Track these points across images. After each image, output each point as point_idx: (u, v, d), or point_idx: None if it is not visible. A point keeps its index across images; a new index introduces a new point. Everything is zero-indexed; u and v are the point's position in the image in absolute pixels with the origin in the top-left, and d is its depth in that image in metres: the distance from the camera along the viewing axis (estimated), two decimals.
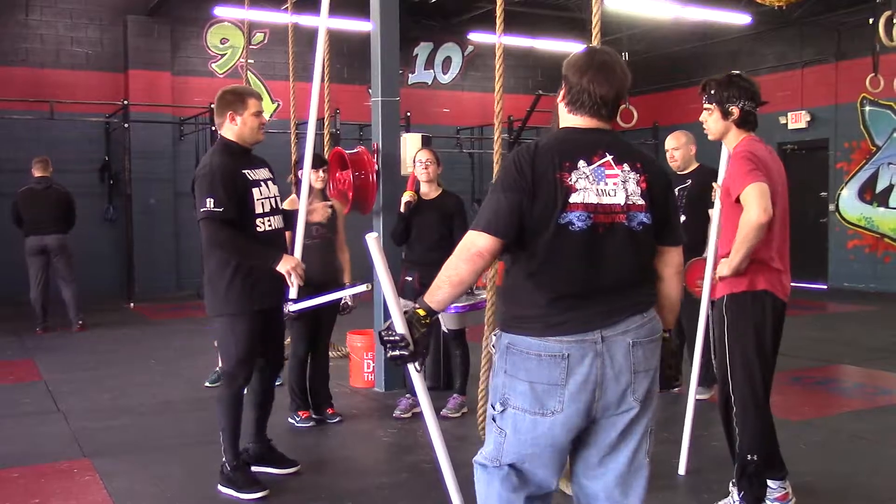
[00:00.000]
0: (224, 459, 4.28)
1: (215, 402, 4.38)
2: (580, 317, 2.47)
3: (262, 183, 4.23)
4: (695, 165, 5.99)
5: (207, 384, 6.60)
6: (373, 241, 2.70)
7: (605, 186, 2.49)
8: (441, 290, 2.53)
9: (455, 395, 5.72)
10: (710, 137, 3.85)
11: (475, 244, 2.47)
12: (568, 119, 2.60)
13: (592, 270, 2.47)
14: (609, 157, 2.52)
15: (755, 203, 3.47)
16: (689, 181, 5.88)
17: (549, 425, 2.47)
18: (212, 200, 3.99)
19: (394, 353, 2.58)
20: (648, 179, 2.54)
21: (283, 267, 4.15)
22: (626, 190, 2.51)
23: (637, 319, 2.50)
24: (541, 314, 2.48)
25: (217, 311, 4.23)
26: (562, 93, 2.62)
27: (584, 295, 2.48)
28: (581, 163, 2.49)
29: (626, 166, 2.53)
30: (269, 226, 4.22)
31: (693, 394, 4.39)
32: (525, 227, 2.46)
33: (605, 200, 2.48)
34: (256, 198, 4.16)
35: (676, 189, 5.89)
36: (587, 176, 2.48)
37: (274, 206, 4.28)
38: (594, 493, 2.61)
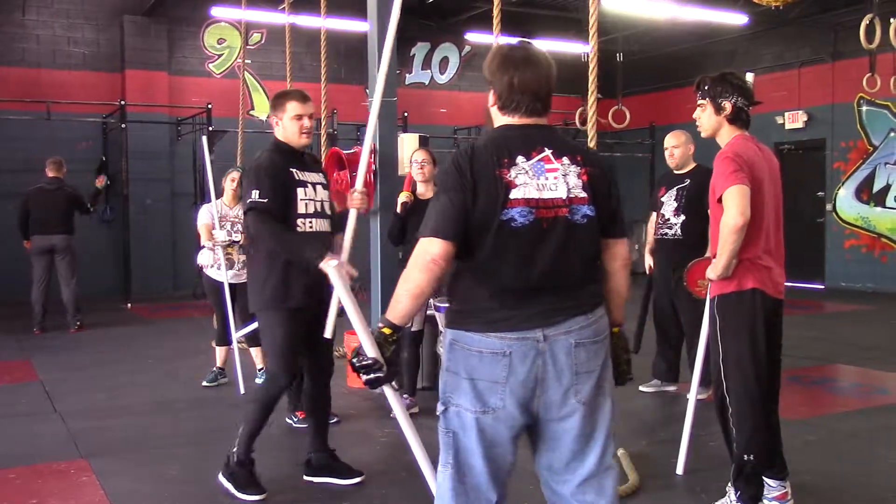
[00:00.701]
0: (234, 450, 4.23)
1: (250, 400, 4.39)
2: (522, 314, 2.44)
3: (309, 185, 4.20)
4: (692, 165, 6.00)
5: (205, 383, 6.59)
6: (333, 270, 2.77)
7: (545, 181, 2.46)
8: (400, 304, 2.48)
9: (405, 396, 5.71)
10: (702, 134, 3.87)
11: (428, 251, 2.42)
12: (502, 119, 2.58)
13: (535, 267, 2.44)
14: (548, 152, 2.50)
15: (732, 206, 3.51)
16: (688, 181, 5.89)
17: (491, 422, 2.45)
18: (257, 192, 4.00)
19: (369, 378, 2.57)
20: (590, 172, 2.52)
21: (326, 266, 3.83)
22: (568, 183, 2.48)
23: (581, 320, 2.47)
24: (483, 310, 2.46)
25: (256, 305, 4.24)
26: (491, 98, 2.60)
27: (527, 292, 2.45)
28: (520, 158, 2.47)
29: (565, 160, 2.51)
30: (311, 227, 4.18)
31: (694, 394, 4.39)
32: (469, 224, 2.43)
33: (546, 195, 2.45)
34: (300, 197, 4.14)
35: (675, 189, 5.91)
36: (526, 171, 2.46)
37: (319, 209, 4.25)
38: (565, 497, 2.58)
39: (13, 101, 11.97)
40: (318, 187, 4.27)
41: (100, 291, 12.51)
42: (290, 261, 4.06)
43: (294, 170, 4.18)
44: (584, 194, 2.49)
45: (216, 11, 13.02)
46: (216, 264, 6.44)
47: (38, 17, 12.83)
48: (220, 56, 14.02)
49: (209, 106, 12.60)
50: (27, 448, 5.05)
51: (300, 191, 4.15)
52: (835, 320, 10.55)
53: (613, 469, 2.59)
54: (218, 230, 6.37)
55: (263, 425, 4.26)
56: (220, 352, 6.66)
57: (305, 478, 4.41)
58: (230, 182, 6.55)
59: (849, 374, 7.36)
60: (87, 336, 9.29)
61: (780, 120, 13.97)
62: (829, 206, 13.74)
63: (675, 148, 6.01)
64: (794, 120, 13.90)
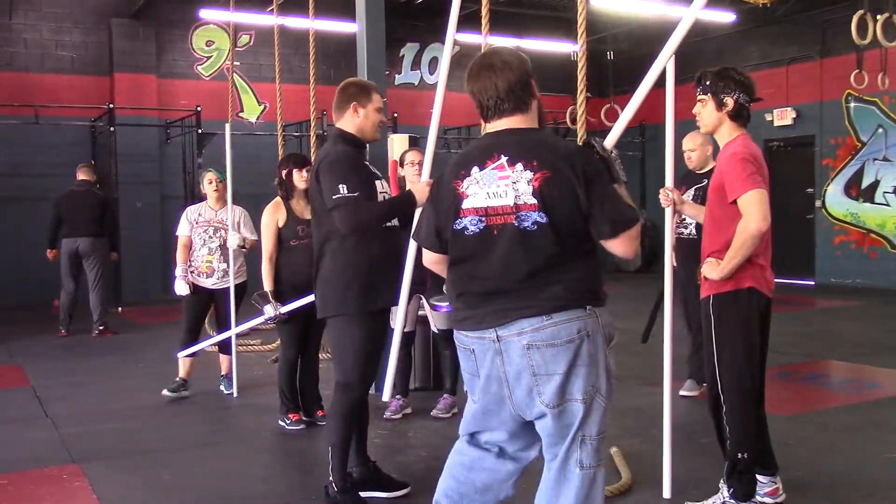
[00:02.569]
0: (331, 479, 3.96)
1: (328, 416, 4.17)
2: (477, 315, 2.60)
3: (380, 178, 4.02)
4: (711, 165, 5.98)
5: (167, 392, 6.31)
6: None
7: (496, 189, 2.56)
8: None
9: (445, 396, 5.71)
10: (702, 130, 3.81)
11: (424, 257, 2.86)
12: (485, 128, 2.75)
13: (487, 271, 2.57)
14: (503, 160, 2.57)
15: (756, 211, 3.45)
16: (706, 181, 5.88)
17: (475, 409, 2.74)
18: (344, 186, 3.68)
19: None
20: (544, 177, 2.52)
21: (419, 197, 3.68)
22: (517, 190, 2.53)
23: (534, 322, 2.51)
24: (456, 310, 2.71)
25: (335, 309, 3.91)
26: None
27: (481, 294, 2.60)
28: (474, 169, 2.61)
29: (518, 166, 2.55)
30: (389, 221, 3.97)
31: (667, 391, 4.28)
32: (439, 234, 2.71)
33: (495, 203, 2.55)
34: (379, 190, 3.92)
35: (693, 188, 5.89)
36: (478, 181, 2.59)
37: None
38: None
39: (1, 106, 11.90)
40: (382, 182, 4.05)
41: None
42: (376, 260, 3.83)
43: (367, 163, 4.01)
44: (533, 201, 2.52)
45: (204, 14, 12.99)
46: (196, 272, 6.21)
47: (25, 21, 12.77)
48: (208, 58, 13.98)
49: (198, 108, 12.57)
50: (19, 454, 5.03)
51: (378, 184, 3.94)
52: (825, 316, 10.59)
53: (576, 478, 2.59)
54: (232, 235, 6.04)
55: (350, 441, 4.03)
56: (183, 362, 6.36)
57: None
58: (209, 184, 6.35)
59: (840, 370, 7.39)
60: (78, 341, 9.25)
61: (768, 117, 14.01)
62: (818, 203, 13.79)
63: (691, 151, 6.01)
64: (783, 117, 13.95)
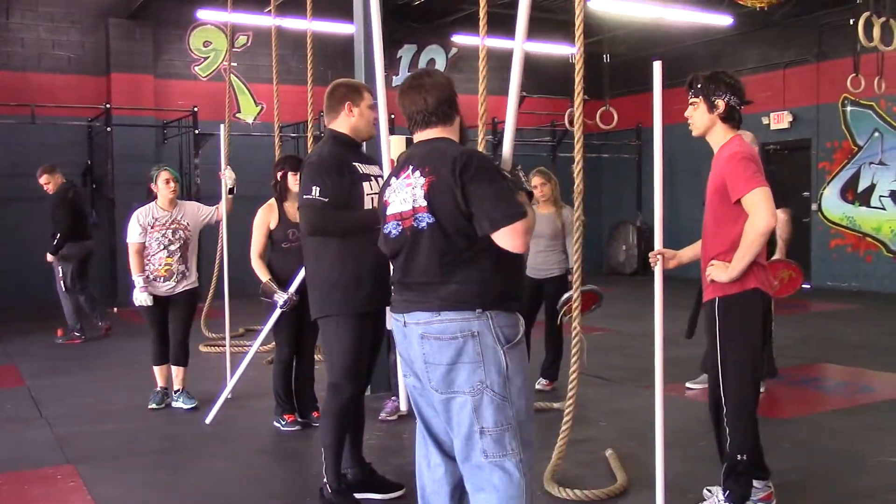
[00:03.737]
0: (325, 480, 3.99)
1: (321, 416, 4.18)
2: (396, 300, 2.98)
3: (372, 178, 3.99)
4: None
5: (153, 406, 6.09)
6: None
7: (403, 195, 2.89)
8: None
9: (393, 398, 5.70)
10: (694, 133, 3.79)
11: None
12: (414, 138, 3.04)
13: (402, 267, 2.92)
14: (410, 168, 2.89)
15: (763, 208, 3.46)
16: None
17: (410, 387, 3.01)
18: (317, 189, 3.78)
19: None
20: (431, 182, 2.81)
21: None
22: (414, 195, 2.85)
23: (427, 316, 2.81)
24: (392, 293, 3.06)
25: (322, 311, 3.97)
26: None
27: (401, 285, 2.94)
28: (393, 179, 2.98)
29: (417, 173, 2.86)
30: None
31: (660, 394, 4.24)
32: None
33: (403, 208, 2.88)
34: (366, 192, 3.91)
35: None
36: (395, 190, 2.94)
37: None
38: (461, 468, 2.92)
39: None
40: (380, 180, 3.99)
41: None
42: (361, 262, 3.85)
43: (357, 164, 3.98)
44: (423, 203, 2.82)
45: (202, 14, 12.99)
46: (153, 275, 5.90)
47: (22, 21, 12.75)
48: (206, 59, 13.97)
49: (195, 109, 12.56)
50: (13, 454, 5.02)
51: (366, 185, 3.93)
52: (821, 319, 10.60)
53: (486, 468, 2.76)
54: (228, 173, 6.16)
55: (344, 441, 4.05)
56: (160, 371, 6.14)
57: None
58: (166, 184, 5.96)
59: (835, 373, 7.40)
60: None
61: (765, 120, 14.04)
62: (814, 206, 13.81)
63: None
64: (780, 120, 13.97)
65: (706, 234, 3.81)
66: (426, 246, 2.82)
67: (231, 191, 6.37)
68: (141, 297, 5.89)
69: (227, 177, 6.40)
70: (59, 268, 9.04)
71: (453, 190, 2.75)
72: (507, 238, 2.71)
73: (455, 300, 2.78)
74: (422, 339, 2.81)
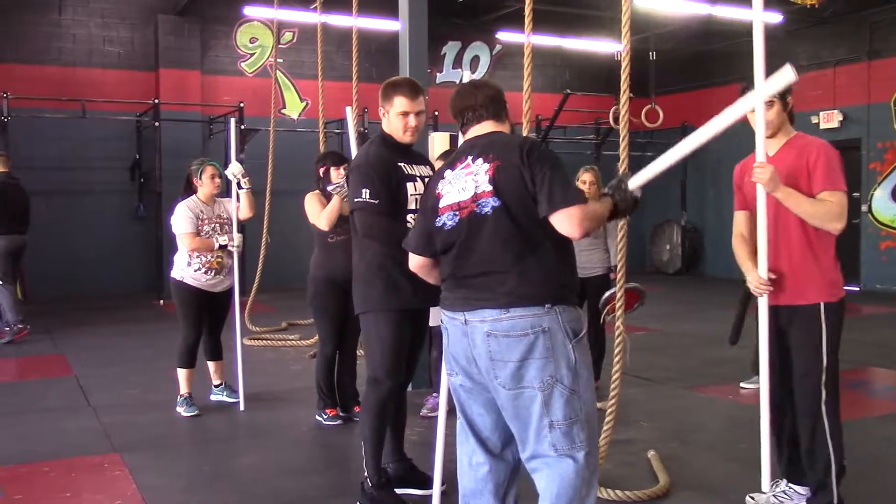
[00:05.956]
0: (365, 474, 3.98)
1: (361, 411, 4.18)
2: (451, 298, 2.92)
3: (418, 178, 3.93)
4: None
5: (188, 414, 5.75)
6: None
7: (463, 184, 2.89)
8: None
9: (435, 395, 5.69)
10: (767, 133, 3.63)
11: (410, 262, 3.14)
12: (464, 137, 3.08)
13: (461, 260, 2.88)
14: (469, 158, 2.92)
15: (844, 214, 3.51)
16: None
17: (456, 385, 2.98)
18: (367, 191, 3.77)
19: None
20: (496, 166, 2.83)
21: None
22: (476, 181, 2.85)
23: (494, 313, 2.77)
24: (443, 291, 3.00)
25: (362, 306, 3.98)
26: None
27: (456, 280, 2.90)
28: (447, 172, 2.99)
29: (479, 160, 2.88)
30: None
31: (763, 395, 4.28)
32: (430, 235, 2.99)
33: (462, 197, 2.88)
34: (410, 192, 3.87)
35: None
36: (450, 181, 2.95)
37: None
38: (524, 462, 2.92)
39: (49, 100, 12.11)
40: (423, 180, 3.94)
41: (133, 288, 12.69)
42: (402, 261, 3.67)
43: (402, 164, 3.93)
44: (489, 188, 2.82)
45: (249, 11, 13.11)
46: (205, 268, 5.71)
47: (73, 17, 12.99)
48: (252, 55, 14.11)
49: (241, 104, 12.69)
50: (61, 442, 5.12)
51: (409, 185, 3.89)
52: (871, 323, 10.39)
53: (556, 461, 2.76)
54: (220, 237, 5.73)
55: (383, 436, 4.03)
56: (186, 376, 5.81)
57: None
58: (209, 178, 5.76)
59: (884, 378, 7.25)
60: (121, 332, 9.40)
61: (814, 120, 13.77)
62: (864, 208, 13.53)
63: None
64: (829, 120, 13.71)
65: (778, 225, 3.63)
66: (489, 231, 2.80)
67: (240, 185, 5.86)
68: (221, 240, 5.72)
69: (230, 171, 5.87)
70: None
71: (521, 171, 2.77)
72: (564, 221, 2.72)
73: (521, 295, 2.75)
74: (487, 337, 2.77)
